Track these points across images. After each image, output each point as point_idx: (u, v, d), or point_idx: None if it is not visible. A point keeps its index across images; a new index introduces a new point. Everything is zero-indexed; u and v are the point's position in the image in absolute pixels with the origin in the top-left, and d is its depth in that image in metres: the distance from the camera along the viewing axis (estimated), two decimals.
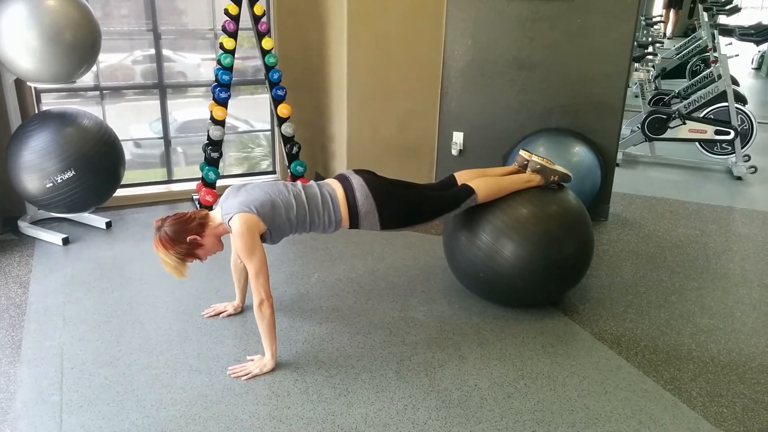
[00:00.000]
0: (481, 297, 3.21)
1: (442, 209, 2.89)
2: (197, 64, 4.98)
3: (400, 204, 2.80)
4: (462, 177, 3.04)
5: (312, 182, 2.80)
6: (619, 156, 5.73)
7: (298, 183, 2.77)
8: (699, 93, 5.86)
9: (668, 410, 2.42)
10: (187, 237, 2.52)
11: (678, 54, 7.99)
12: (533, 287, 2.98)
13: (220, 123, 4.23)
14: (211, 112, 4.22)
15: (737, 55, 6.70)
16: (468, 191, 2.90)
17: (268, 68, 4.35)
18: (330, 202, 2.70)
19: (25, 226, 3.95)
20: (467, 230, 3.01)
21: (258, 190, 2.63)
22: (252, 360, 2.64)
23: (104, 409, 2.36)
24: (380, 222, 2.75)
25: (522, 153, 3.07)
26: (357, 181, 2.76)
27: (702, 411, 2.42)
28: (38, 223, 4.06)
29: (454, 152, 4.57)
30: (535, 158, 3.01)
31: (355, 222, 2.74)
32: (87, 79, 4.35)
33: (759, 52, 12.35)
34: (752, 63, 12.63)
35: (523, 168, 3.07)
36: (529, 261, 2.88)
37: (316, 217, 2.68)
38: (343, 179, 2.79)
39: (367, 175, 2.81)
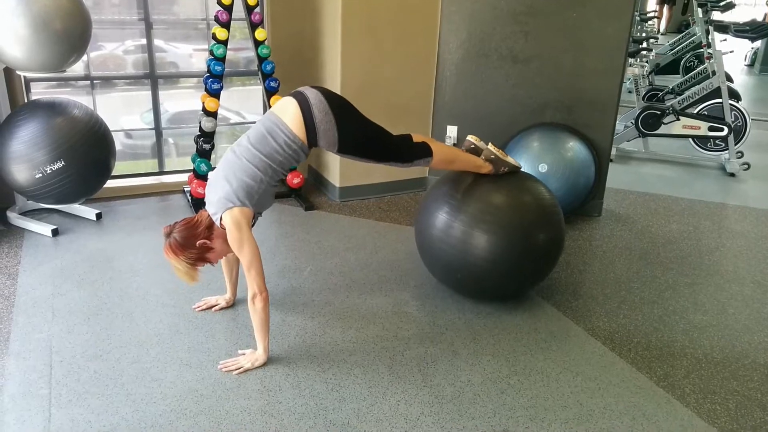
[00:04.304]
0: (454, 291, 3.18)
1: (397, 154, 2.79)
2: (189, 54, 4.93)
3: (359, 126, 2.68)
4: (417, 140, 2.90)
5: (257, 121, 2.66)
6: (613, 151, 5.73)
7: (243, 138, 2.62)
8: (693, 89, 5.86)
9: (662, 407, 2.41)
10: (197, 241, 2.50)
11: (672, 50, 7.99)
12: (506, 278, 2.95)
13: (213, 114, 4.19)
14: (203, 103, 4.18)
15: (732, 52, 6.70)
16: (426, 151, 2.81)
17: (261, 59, 4.30)
18: (282, 133, 2.55)
19: (13, 217, 3.90)
20: (437, 228, 2.96)
21: (221, 181, 2.54)
22: (243, 354, 2.62)
23: (93, 402, 2.33)
24: (339, 140, 2.60)
25: (470, 138, 3.01)
26: (314, 97, 2.57)
27: (695, 408, 2.42)
28: (27, 213, 4.01)
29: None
30: (490, 147, 2.96)
31: (313, 139, 2.59)
32: (77, 69, 4.30)
33: (752, 48, 12.40)
34: (745, 60, 12.67)
35: (472, 152, 2.99)
36: (501, 251, 2.84)
37: (278, 156, 2.55)
38: (298, 95, 2.60)
39: (325, 91, 2.63)
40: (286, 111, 2.58)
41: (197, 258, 2.52)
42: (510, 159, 3.02)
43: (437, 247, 2.98)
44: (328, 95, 2.61)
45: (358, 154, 2.73)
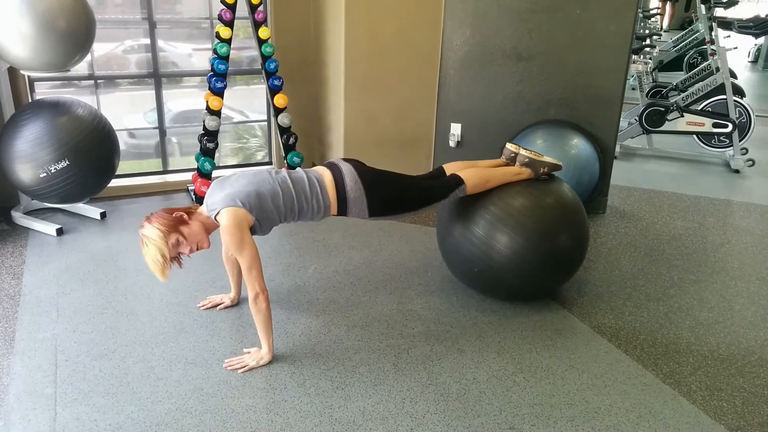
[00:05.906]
0: (477, 291, 3.19)
1: (430, 198, 2.85)
2: (189, 53, 4.93)
3: (388, 191, 2.76)
4: (451, 168, 3.01)
5: (298, 168, 2.77)
6: (617, 148, 5.71)
7: (283, 170, 2.73)
8: (697, 85, 5.85)
9: (668, 404, 2.40)
10: (173, 213, 2.53)
11: (675, 46, 7.98)
12: (528, 280, 2.95)
13: (216, 113, 4.19)
14: (207, 102, 4.18)
15: (736, 48, 6.68)
16: (457, 181, 2.87)
17: (265, 58, 4.30)
18: (318, 187, 2.66)
19: (18, 217, 3.91)
20: (461, 224, 2.97)
21: (242, 181, 2.59)
22: (248, 352, 2.62)
23: (99, 401, 2.33)
24: (368, 208, 2.71)
25: (509, 146, 3.04)
26: (346, 168, 2.72)
27: (702, 405, 2.41)
28: (32, 213, 4.02)
29: (452, 144, 4.55)
30: (523, 152, 2.98)
31: (343, 208, 2.70)
32: (81, 68, 4.30)
33: (755, 45, 12.37)
34: (749, 56, 12.64)
35: (511, 161, 3.04)
36: (524, 253, 2.84)
37: (304, 202, 2.64)
38: (332, 166, 2.76)
39: (356, 163, 2.79)
40: (324, 176, 2.71)
41: (170, 227, 2.46)
42: (547, 158, 3.00)
43: (459, 242, 2.99)
44: (359, 167, 2.75)
45: (389, 215, 2.83)
